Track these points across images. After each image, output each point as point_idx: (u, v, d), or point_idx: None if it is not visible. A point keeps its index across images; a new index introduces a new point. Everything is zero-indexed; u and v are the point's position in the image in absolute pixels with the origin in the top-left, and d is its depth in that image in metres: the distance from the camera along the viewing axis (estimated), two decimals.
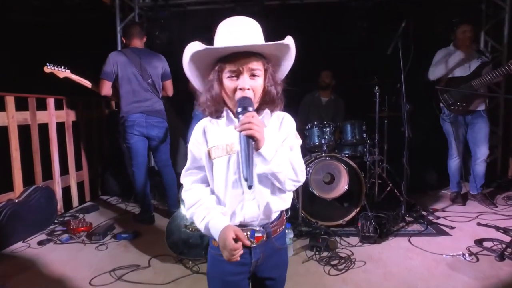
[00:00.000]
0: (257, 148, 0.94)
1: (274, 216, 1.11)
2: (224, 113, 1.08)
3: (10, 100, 3.05)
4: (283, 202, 1.12)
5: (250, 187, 0.89)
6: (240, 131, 0.92)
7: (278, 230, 1.12)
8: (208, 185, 1.12)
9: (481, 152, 3.45)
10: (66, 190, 3.77)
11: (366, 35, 4.17)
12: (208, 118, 1.11)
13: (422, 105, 3.62)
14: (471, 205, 3.55)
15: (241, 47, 0.99)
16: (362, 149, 3.51)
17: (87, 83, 3.12)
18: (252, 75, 1.02)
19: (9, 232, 2.77)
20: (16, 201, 2.91)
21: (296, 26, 4.37)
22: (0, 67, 3.61)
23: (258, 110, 1.07)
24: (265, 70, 1.06)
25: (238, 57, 1.00)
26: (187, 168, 1.14)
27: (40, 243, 2.81)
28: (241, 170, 0.90)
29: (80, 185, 3.99)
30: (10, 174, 3.07)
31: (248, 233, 1.05)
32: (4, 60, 3.76)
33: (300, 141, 1.12)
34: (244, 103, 0.97)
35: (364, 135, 3.41)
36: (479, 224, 2.99)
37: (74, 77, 3.07)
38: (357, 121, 3.43)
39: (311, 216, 2.99)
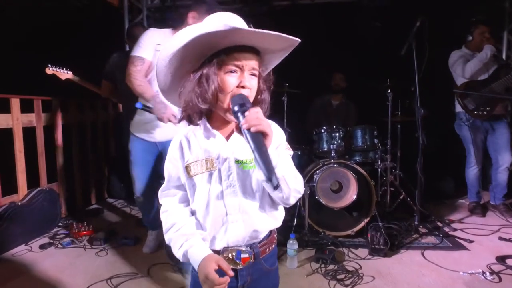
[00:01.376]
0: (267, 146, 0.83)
1: (262, 235, 1.00)
2: (201, 124, 0.97)
3: (15, 102, 3.04)
4: (274, 220, 1.01)
5: (277, 186, 0.78)
6: (248, 128, 0.80)
7: (267, 249, 1.01)
8: (188, 205, 1.01)
9: (504, 159, 3.24)
10: (72, 193, 3.75)
11: (379, 36, 4.01)
12: (185, 131, 1.00)
13: (438, 110, 3.44)
14: (491, 217, 3.33)
15: (268, 33, 0.85)
16: (374, 155, 3.36)
17: (89, 85, 3.08)
18: (252, 74, 0.92)
19: (11, 235, 2.74)
20: (19, 203, 2.89)
21: (306, 27, 4.25)
22: (6, 69, 3.62)
23: None
24: (259, 73, 0.95)
25: (243, 51, 0.89)
26: (163, 188, 1.04)
27: (42, 246, 2.78)
28: (262, 171, 0.78)
29: (86, 188, 3.97)
30: (14, 176, 3.06)
31: (234, 254, 0.95)
32: (10, 61, 3.77)
33: (291, 153, 1.00)
34: (242, 99, 0.86)
35: (376, 140, 3.25)
36: (501, 238, 2.79)
37: (76, 79, 3.04)
38: (368, 126, 3.28)
39: (318, 225, 2.85)
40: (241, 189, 0.94)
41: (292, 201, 0.94)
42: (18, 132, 3.06)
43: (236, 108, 0.85)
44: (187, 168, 0.96)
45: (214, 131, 0.96)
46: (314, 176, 2.80)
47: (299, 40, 0.91)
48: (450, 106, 3.47)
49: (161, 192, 1.04)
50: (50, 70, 2.95)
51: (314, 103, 4.16)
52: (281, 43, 0.92)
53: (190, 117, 0.95)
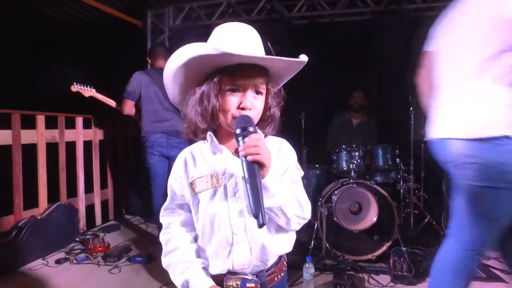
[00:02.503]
0: (263, 177, 0.79)
1: (271, 261, 0.93)
2: (208, 138, 0.93)
3: (40, 119, 3.16)
4: (284, 244, 0.94)
5: (261, 226, 0.72)
6: (245, 156, 0.76)
7: (276, 278, 0.94)
8: (191, 230, 0.97)
9: None
10: (91, 208, 3.80)
11: (400, 52, 3.92)
12: (191, 148, 0.97)
13: None
14: None
15: (261, 58, 0.84)
16: (395, 175, 3.21)
17: (111, 103, 3.17)
18: (256, 93, 0.88)
19: (30, 249, 2.78)
20: (39, 218, 2.94)
21: (326, 45, 4.24)
22: (31, 86, 3.79)
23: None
24: (268, 89, 0.92)
25: (245, 69, 0.85)
26: (166, 207, 1.00)
27: (58, 261, 2.79)
28: (248, 204, 0.74)
29: (105, 204, 4.01)
30: (36, 190, 3.14)
31: (238, 283, 0.88)
32: (36, 79, 3.95)
33: (302, 173, 0.95)
34: (245, 122, 0.81)
35: (398, 160, 3.12)
36: None
37: (99, 96, 3.13)
38: (389, 145, 3.16)
39: (336, 249, 2.72)
40: (247, 207, 0.89)
41: (296, 227, 0.90)
42: (41, 148, 3.15)
43: (238, 131, 0.81)
44: (192, 185, 0.92)
45: (221, 145, 0.92)
46: (332, 197, 2.70)
47: (302, 60, 0.87)
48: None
49: (163, 211, 1.01)
50: (75, 87, 3.05)
51: (333, 121, 4.07)
52: (284, 64, 0.89)
53: (195, 132, 0.92)
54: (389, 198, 2.71)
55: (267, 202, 0.80)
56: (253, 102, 0.87)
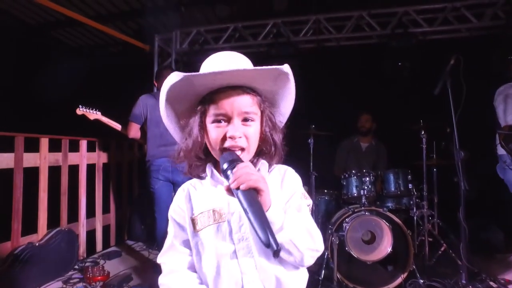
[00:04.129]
0: (265, 208, 0.70)
1: None
2: (208, 171, 0.86)
3: (44, 142, 3.11)
4: (297, 282, 0.84)
5: (276, 252, 0.63)
6: (237, 187, 0.68)
7: None
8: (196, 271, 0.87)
9: None
10: (92, 233, 3.68)
11: (409, 76, 3.89)
12: (192, 181, 0.91)
13: (477, 150, 3.17)
14: None
15: (228, 71, 0.77)
16: (408, 201, 3.09)
17: (117, 126, 3.12)
18: (245, 120, 0.80)
19: (25, 278, 2.65)
20: (37, 244, 2.83)
21: (333, 69, 4.23)
22: (36, 109, 3.78)
23: (253, 163, 0.84)
24: (262, 112, 0.83)
25: (227, 94, 0.78)
26: (170, 245, 0.90)
27: None
28: (255, 234, 0.65)
29: (106, 229, 3.89)
30: (36, 215, 3.04)
31: None
32: (42, 102, 3.94)
33: (309, 201, 0.86)
34: (231, 156, 0.75)
35: (410, 185, 3.01)
36: None
37: (105, 119, 3.09)
38: (401, 169, 3.06)
39: (349, 280, 2.57)
40: (256, 243, 0.80)
41: (309, 262, 0.80)
42: (44, 171, 3.09)
43: (224, 167, 0.74)
44: (193, 221, 0.84)
45: (222, 178, 0.84)
46: (344, 225, 2.57)
47: (275, 67, 0.79)
48: (490, 146, 3.19)
49: (166, 249, 0.90)
50: (80, 110, 3.02)
51: (342, 145, 3.99)
52: (263, 78, 0.81)
53: (191, 168, 0.86)
54: (403, 227, 2.59)
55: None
56: (243, 130, 0.79)
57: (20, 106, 4.29)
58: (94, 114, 3.05)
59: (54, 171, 3.24)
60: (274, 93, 0.86)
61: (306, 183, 3.06)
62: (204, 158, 0.85)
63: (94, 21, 4.01)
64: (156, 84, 3.29)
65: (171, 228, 0.90)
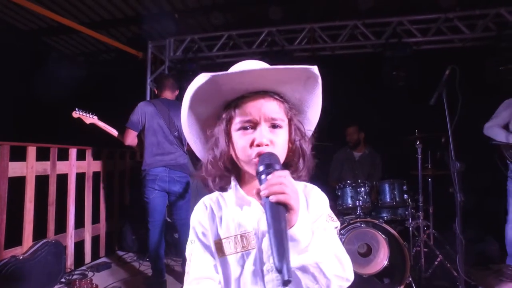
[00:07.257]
0: (290, 224, 0.64)
1: None
2: (233, 186, 0.78)
3: (31, 150, 3.02)
4: None
5: (286, 283, 0.56)
6: (267, 196, 0.62)
7: None
8: None
9: None
10: (80, 244, 3.57)
11: (404, 86, 3.88)
12: (212, 196, 0.82)
13: (476, 162, 3.15)
14: None
15: (256, 70, 0.73)
16: (403, 212, 3.06)
17: (113, 131, 3.03)
18: (273, 126, 0.74)
19: None
20: (21, 257, 2.72)
21: (328, 79, 4.21)
22: (26, 117, 3.68)
23: None
24: (289, 120, 0.78)
25: (253, 99, 0.73)
26: (199, 275, 0.76)
27: None
28: (272, 254, 0.59)
29: (96, 239, 3.78)
30: (22, 226, 2.93)
31: None
32: (33, 109, 3.85)
33: (337, 224, 0.79)
34: (269, 159, 0.68)
35: (405, 196, 2.98)
36: None
37: (101, 124, 2.99)
38: (396, 180, 3.03)
39: None
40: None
41: None
42: (30, 181, 2.99)
43: (260, 169, 0.67)
44: (217, 245, 0.76)
45: (248, 197, 0.76)
46: (339, 237, 2.51)
47: (308, 66, 0.75)
48: (486, 158, 3.18)
49: (192, 279, 0.77)
50: (76, 113, 2.92)
51: (336, 156, 3.97)
52: (291, 80, 0.76)
53: (215, 185, 0.78)
54: (400, 239, 2.54)
55: (299, 259, 0.66)
56: (271, 137, 0.73)
57: (10, 113, 4.19)
58: (90, 118, 2.96)
59: (42, 180, 3.14)
60: (302, 99, 0.81)
61: None
62: (230, 169, 0.78)
63: (87, 28, 3.95)
64: (156, 91, 3.21)
65: (196, 252, 0.79)
